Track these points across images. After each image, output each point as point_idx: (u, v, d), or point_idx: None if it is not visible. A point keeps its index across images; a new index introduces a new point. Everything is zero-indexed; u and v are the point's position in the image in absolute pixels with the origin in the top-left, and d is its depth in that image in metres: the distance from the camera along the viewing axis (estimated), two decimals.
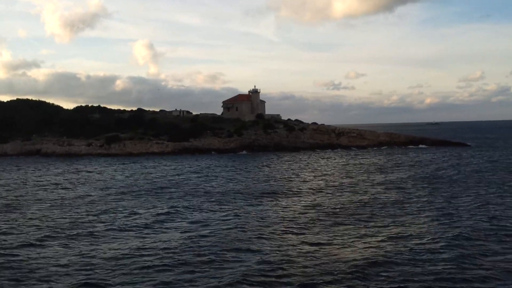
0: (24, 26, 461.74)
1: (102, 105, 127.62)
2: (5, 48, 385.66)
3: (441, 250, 21.47)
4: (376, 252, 21.32)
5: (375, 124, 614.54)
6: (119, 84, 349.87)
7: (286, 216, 29.82)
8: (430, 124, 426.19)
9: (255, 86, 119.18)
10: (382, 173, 53.52)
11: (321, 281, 17.78)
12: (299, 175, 53.64)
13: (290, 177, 51.26)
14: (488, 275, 18.36)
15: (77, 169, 67.15)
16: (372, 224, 27.38)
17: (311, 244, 22.94)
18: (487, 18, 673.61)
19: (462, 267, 19.23)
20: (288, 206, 33.73)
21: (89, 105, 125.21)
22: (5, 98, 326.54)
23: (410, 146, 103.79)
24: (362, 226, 26.90)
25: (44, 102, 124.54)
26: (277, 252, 21.51)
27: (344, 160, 74.60)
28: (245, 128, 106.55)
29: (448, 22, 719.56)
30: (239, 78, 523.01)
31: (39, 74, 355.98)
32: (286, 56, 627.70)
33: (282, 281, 17.81)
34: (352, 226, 26.82)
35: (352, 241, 23.44)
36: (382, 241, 23.32)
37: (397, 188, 41.67)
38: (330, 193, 39.46)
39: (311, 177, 51.23)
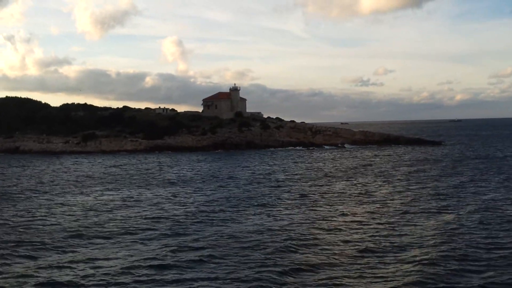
0: (55, 23, 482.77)
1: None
2: (37, 45, 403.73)
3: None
4: None
5: (403, 121, 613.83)
6: (148, 81, 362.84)
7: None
8: (453, 121, 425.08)
9: (235, 84, 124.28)
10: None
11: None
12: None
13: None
14: None
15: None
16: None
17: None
18: None
19: None
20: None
21: (75, 102, 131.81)
22: (37, 95, 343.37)
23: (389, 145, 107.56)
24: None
25: (31, 100, 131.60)
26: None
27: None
28: (221, 126, 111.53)
29: (478, 17, 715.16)
30: (267, 75, 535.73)
31: (70, 71, 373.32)
32: (315, 52, 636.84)
33: None
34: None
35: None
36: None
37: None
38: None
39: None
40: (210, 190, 43.95)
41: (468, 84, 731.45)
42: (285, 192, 41.98)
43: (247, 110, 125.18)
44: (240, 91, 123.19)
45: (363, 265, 20.87)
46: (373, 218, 30.41)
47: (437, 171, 56.08)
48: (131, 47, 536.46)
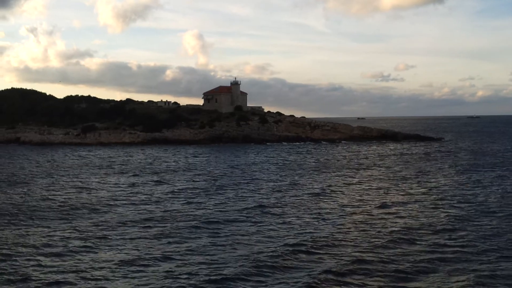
0: (78, 16, 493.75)
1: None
2: (59, 38, 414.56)
3: None
4: None
5: (421, 117, 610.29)
6: (169, 74, 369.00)
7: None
8: (471, 118, 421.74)
9: (235, 78, 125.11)
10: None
11: None
12: None
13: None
14: None
15: None
16: None
17: None
18: None
19: None
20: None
21: (79, 94, 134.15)
22: (59, 87, 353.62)
23: (384, 141, 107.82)
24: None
25: (35, 91, 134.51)
26: None
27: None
28: (219, 120, 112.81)
29: (500, 13, 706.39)
30: (287, 69, 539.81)
31: (92, 64, 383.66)
32: (335, 47, 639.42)
33: None
34: None
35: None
36: None
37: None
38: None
39: None
40: (173, 181, 45.49)
41: (489, 80, 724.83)
42: (242, 185, 43.14)
43: (248, 104, 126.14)
44: (240, 85, 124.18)
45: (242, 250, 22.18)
46: (296, 209, 31.79)
47: (401, 166, 58.35)
48: (152, 40, 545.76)
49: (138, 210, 31.63)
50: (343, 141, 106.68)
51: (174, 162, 64.37)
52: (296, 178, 47.79)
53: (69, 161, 66.02)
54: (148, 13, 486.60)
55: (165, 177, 48.69)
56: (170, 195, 37.45)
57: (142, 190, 39.96)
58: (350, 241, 23.72)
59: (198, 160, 67.08)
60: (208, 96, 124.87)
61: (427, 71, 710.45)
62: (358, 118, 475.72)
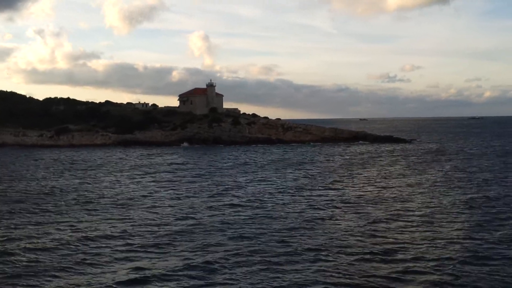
0: (85, 18, 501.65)
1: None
2: (66, 39, 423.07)
3: None
4: None
5: (429, 118, 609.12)
6: (175, 75, 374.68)
7: None
8: (473, 119, 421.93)
9: (210, 80, 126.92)
10: None
11: None
12: None
13: None
14: None
15: None
16: None
17: None
18: None
19: None
20: None
21: (58, 97, 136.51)
22: (66, 88, 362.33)
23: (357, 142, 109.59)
24: None
25: (15, 94, 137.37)
26: None
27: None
28: (192, 122, 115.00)
29: (507, 14, 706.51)
30: (293, 70, 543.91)
31: (99, 65, 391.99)
32: (341, 48, 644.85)
33: None
34: None
35: None
36: None
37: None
38: None
39: None
40: (95, 179, 47.83)
41: (496, 81, 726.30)
42: (154, 185, 45.34)
43: (224, 106, 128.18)
44: (216, 87, 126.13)
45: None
46: (184, 204, 34.00)
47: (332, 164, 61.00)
48: (158, 41, 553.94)
49: (30, 200, 34.72)
50: (312, 143, 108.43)
51: (124, 163, 66.79)
52: (218, 178, 50.10)
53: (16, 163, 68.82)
54: (154, 14, 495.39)
55: (90, 175, 51.37)
56: (73, 190, 39.95)
57: (53, 188, 42.58)
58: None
59: (148, 161, 69.43)
60: (184, 98, 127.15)
61: (434, 72, 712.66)
62: (361, 119, 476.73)
